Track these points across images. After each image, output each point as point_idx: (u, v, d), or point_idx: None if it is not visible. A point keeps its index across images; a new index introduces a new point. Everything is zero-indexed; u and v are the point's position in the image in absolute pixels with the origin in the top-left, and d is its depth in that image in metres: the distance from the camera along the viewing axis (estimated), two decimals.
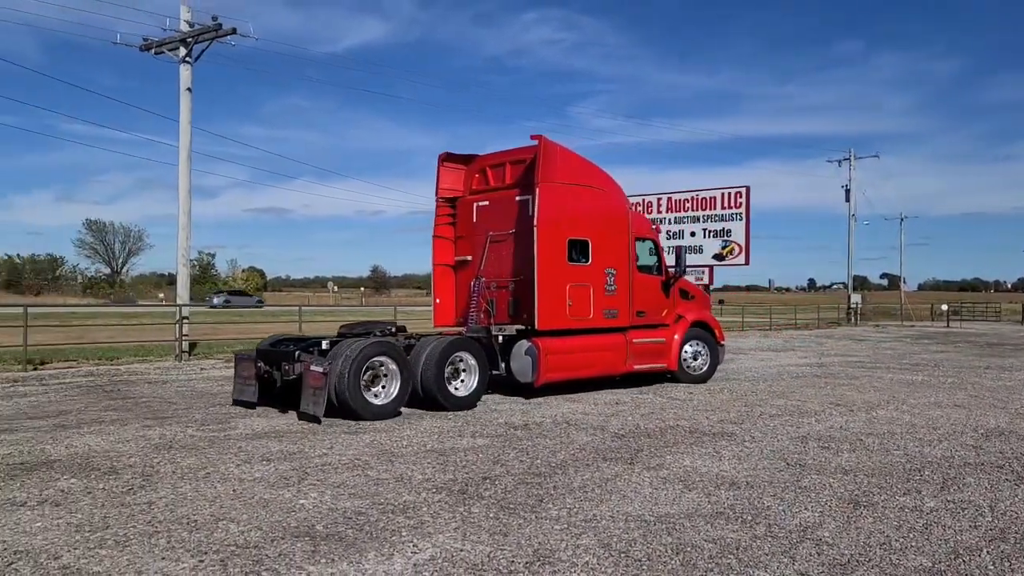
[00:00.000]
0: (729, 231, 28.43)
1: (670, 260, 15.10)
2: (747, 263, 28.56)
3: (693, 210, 29.25)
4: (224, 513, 6.01)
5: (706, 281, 29.16)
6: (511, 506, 6.30)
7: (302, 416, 10.29)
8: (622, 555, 5.15)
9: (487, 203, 13.74)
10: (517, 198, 13.10)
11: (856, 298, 54.05)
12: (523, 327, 12.61)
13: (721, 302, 68.82)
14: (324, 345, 10.67)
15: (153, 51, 21.39)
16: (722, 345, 15.86)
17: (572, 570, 4.87)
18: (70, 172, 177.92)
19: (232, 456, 8.08)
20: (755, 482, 7.21)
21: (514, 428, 9.97)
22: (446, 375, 11.31)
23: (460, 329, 13.12)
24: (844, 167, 55.18)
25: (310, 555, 5.09)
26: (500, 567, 4.90)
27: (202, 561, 4.95)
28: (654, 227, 14.97)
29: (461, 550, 5.22)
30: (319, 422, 9.94)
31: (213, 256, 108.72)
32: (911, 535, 5.69)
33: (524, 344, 12.31)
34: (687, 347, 15.00)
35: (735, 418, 10.98)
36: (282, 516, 5.95)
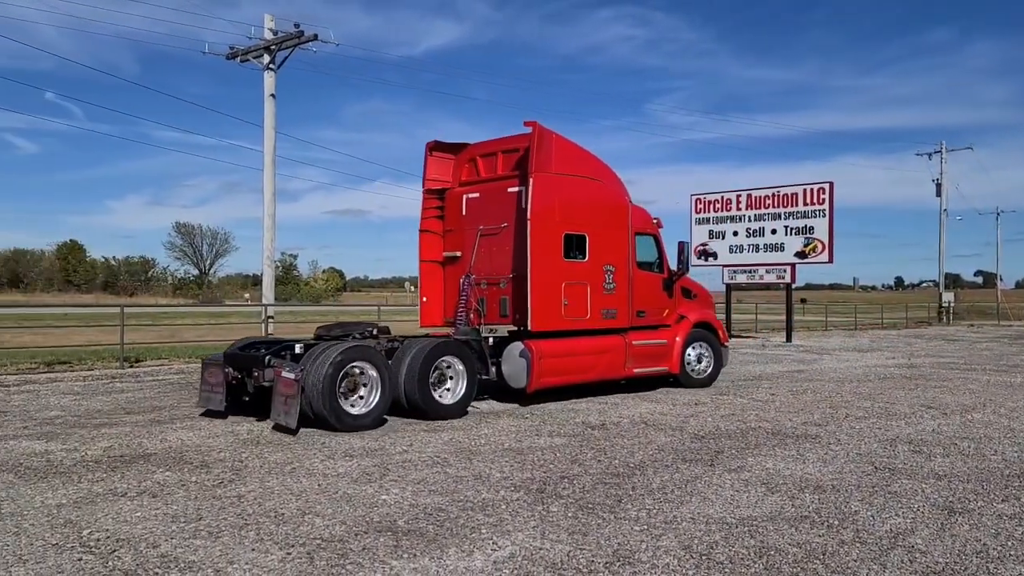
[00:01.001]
0: (811, 228, 27.65)
1: (673, 256, 14.07)
2: (831, 261, 27.72)
3: (774, 207, 28.55)
4: (310, 507, 6.18)
5: (788, 279, 28.47)
6: (590, 506, 6.29)
7: (276, 427, 9.48)
8: (703, 557, 5.08)
9: (477, 195, 12.78)
10: (509, 190, 12.16)
11: (948, 296, 51.88)
12: (516, 328, 11.86)
13: (803, 301, 67.10)
14: (297, 349, 9.89)
15: (239, 59, 22.17)
16: (726, 346, 14.97)
17: (652, 571, 4.84)
18: (161, 177, 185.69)
19: (316, 452, 8.30)
20: (841, 486, 7.00)
21: (591, 428, 9.93)
22: (431, 381, 10.45)
23: (448, 330, 12.27)
24: (935, 160, 53.06)
25: (393, 550, 5.19)
26: (580, 566, 4.90)
27: (289, 553, 5.11)
28: (655, 221, 13.87)
29: (540, 548, 5.24)
30: (294, 433, 9.16)
31: (295, 257, 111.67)
32: (1010, 543, 5.43)
33: (517, 346, 11.48)
34: (690, 349, 14.07)
35: (819, 420, 10.68)
36: (365, 511, 6.09)
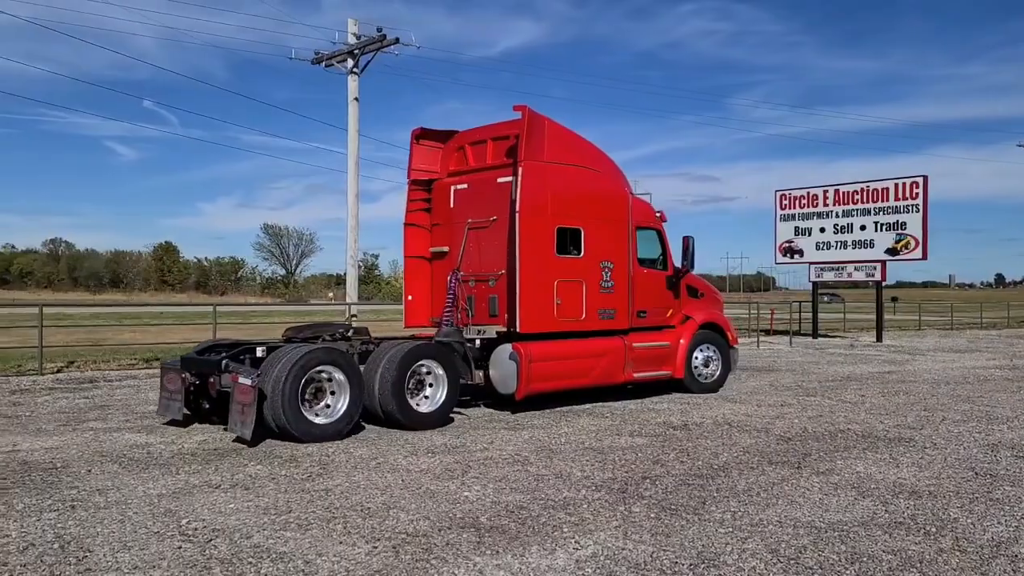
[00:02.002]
0: (903, 224, 26.60)
1: (678, 253, 13.07)
2: (924, 257, 26.63)
3: (863, 202, 27.58)
4: (394, 502, 6.30)
5: (877, 277, 27.48)
6: (672, 507, 6.21)
7: (238, 439, 8.65)
8: (791, 562, 4.96)
9: (466, 186, 11.87)
10: (499, 180, 11.21)
11: None
12: (505, 329, 10.98)
13: (894, 299, 64.61)
14: (259, 352, 9.06)
15: (323, 64, 22.78)
16: (735, 349, 13.88)
17: (738, 575, 4.74)
18: (249, 180, 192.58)
19: (400, 448, 8.45)
20: (939, 492, 6.72)
21: (673, 428, 9.81)
22: (408, 387, 9.58)
23: (434, 331, 11.51)
24: None
25: (476, 546, 5.24)
26: (663, 567, 4.85)
27: (376, 547, 5.22)
28: (658, 215, 12.91)
29: (623, 548, 5.20)
30: (249, 444, 8.42)
31: (377, 257, 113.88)
32: None
33: (505, 349, 10.68)
34: (697, 352, 13.03)
35: (914, 423, 10.27)
36: (448, 507, 6.16)
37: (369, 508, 6.12)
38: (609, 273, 11.69)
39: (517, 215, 10.62)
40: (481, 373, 10.81)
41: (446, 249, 12.05)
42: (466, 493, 6.59)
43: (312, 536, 5.43)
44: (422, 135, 12.22)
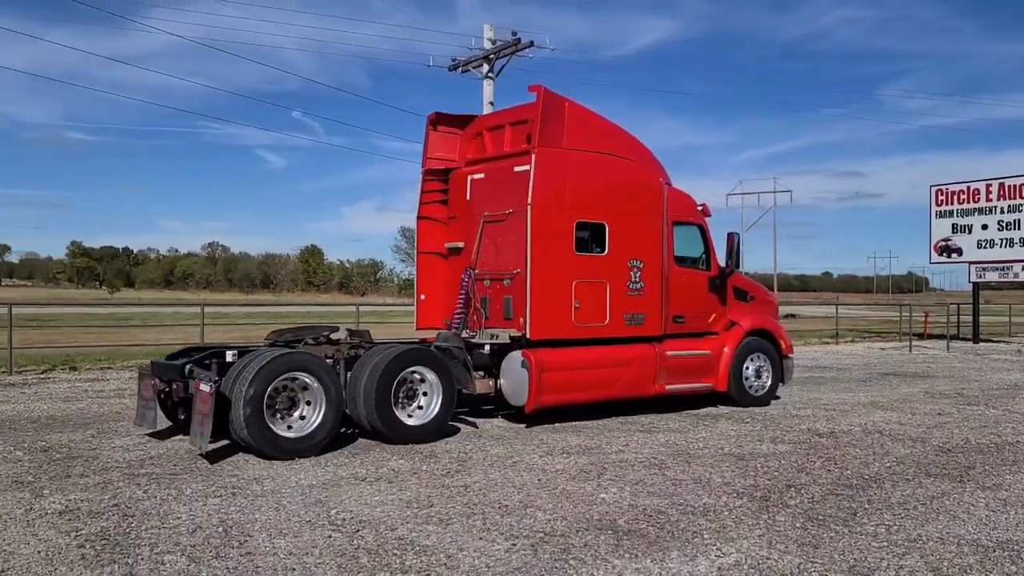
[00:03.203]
0: None
1: (723, 252, 11.65)
2: None
3: None
4: (531, 501, 6.35)
5: None
6: (820, 517, 5.94)
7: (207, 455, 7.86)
8: None
9: (482, 175, 10.82)
10: (516, 169, 10.06)
11: None
12: (520, 334, 9.90)
13: None
14: (229, 356, 8.31)
15: (460, 70, 23.33)
16: (789, 358, 12.28)
17: None
18: (387, 184, 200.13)
19: (535, 448, 8.51)
20: None
21: (819, 435, 9.38)
22: (398, 397, 8.74)
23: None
24: None
25: (614, 548, 5.21)
26: None
27: (515, 544, 5.28)
28: (700, 208, 11.63)
29: (768, 558, 5.02)
30: (205, 457, 7.74)
31: None
32: None
33: (516, 357, 9.68)
34: (747, 363, 11.64)
35: None
36: (585, 508, 6.15)
37: (507, 506, 6.20)
38: (638, 273, 10.53)
39: (529, 207, 9.64)
40: (491, 382, 9.94)
41: (462, 244, 10.97)
42: (603, 495, 6.56)
43: (453, 531, 5.56)
44: (438, 120, 11.28)
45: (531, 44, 21.94)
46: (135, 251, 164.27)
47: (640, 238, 10.63)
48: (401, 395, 8.80)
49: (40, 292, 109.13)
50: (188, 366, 8.03)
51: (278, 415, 7.97)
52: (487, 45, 22.75)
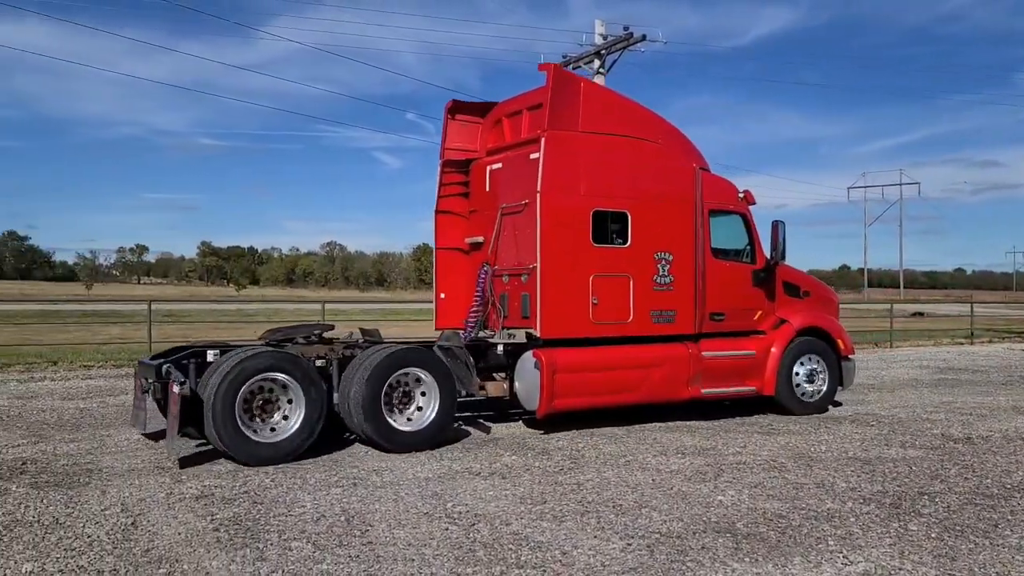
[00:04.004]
0: None
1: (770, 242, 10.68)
2: None
3: None
4: (646, 501, 6.27)
5: None
6: (957, 528, 5.60)
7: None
8: None
9: (500, 165, 10.11)
10: (532, 156, 9.30)
11: None
12: (536, 333, 9.23)
13: None
14: (210, 356, 7.86)
15: (571, 66, 23.30)
16: (849, 360, 11.09)
17: None
18: None
19: (649, 447, 8.40)
20: None
21: (953, 441, 8.84)
22: (392, 400, 8.20)
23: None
24: None
25: (733, 552, 5.07)
26: None
27: (630, 544, 5.23)
28: (742, 196, 10.58)
29: (900, 569, 4.77)
30: (171, 459, 7.58)
31: None
32: None
33: (529, 357, 9.06)
34: (797, 365, 10.58)
35: None
36: (701, 510, 6.03)
37: (621, 505, 6.15)
38: (667, 266, 9.72)
39: (538, 195, 8.98)
40: (506, 384, 9.37)
41: (483, 239, 10.26)
42: (720, 497, 6.40)
43: (567, 528, 5.56)
44: (457, 108, 10.66)
45: (643, 38, 21.69)
46: (260, 250, 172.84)
47: (669, 228, 9.81)
48: (395, 399, 8.25)
49: (174, 290, 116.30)
50: (165, 366, 7.63)
51: (257, 418, 7.57)
52: (598, 40, 22.65)
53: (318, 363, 8.14)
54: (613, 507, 6.09)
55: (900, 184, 75.60)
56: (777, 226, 10.54)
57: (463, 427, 9.26)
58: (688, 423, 9.86)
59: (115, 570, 4.68)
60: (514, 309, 9.62)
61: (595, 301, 9.27)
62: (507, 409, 10.05)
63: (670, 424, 9.77)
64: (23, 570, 4.66)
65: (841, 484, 6.84)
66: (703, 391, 9.92)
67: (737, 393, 10.37)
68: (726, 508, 6.08)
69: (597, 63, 22.68)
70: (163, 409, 7.94)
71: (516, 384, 9.27)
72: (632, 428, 9.45)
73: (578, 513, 5.92)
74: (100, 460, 7.55)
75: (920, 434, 9.25)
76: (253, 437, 7.44)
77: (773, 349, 10.46)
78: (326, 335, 8.56)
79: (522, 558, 4.95)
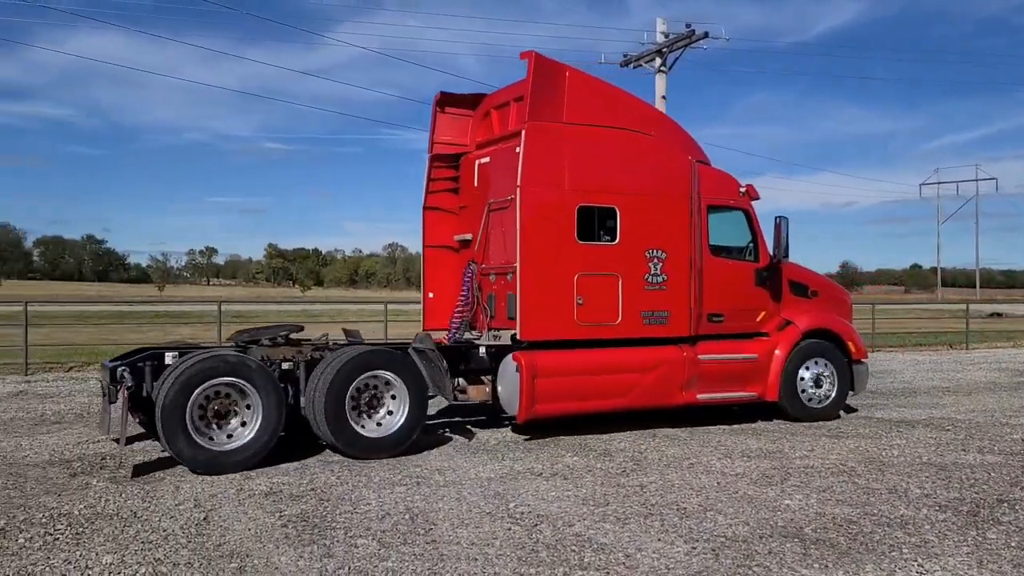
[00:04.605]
0: None
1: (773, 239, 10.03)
2: None
3: None
4: (710, 504, 6.18)
5: None
6: None
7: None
8: None
9: (488, 159, 9.67)
10: (517, 149, 8.86)
11: None
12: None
13: None
14: (168, 359, 7.49)
15: (632, 66, 23.17)
16: (861, 363, 10.46)
17: None
18: None
19: (712, 450, 8.28)
20: None
21: None
22: (359, 404, 7.84)
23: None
24: None
25: (801, 557, 4.97)
26: None
27: (694, 547, 5.16)
28: (743, 190, 10.00)
29: None
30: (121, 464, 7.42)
31: None
32: None
33: (510, 360, 8.63)
34: (803, 369, 10.00)
35: None
36: (768, 514, 5.91)
37: (685, 508, 6.07)
38: (659, 265, 9.21)
39: (518, 190, 8.57)
40: (489, 388, 8.93)
41: (471, 236, 9.86)
42: (787, 501, 6.27)
43: (630, 530, 5.52)
44: (446, 101, 10.23)
45: (705, 35, 21.40)
46: (323, 252, 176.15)
47: (662, 224, 9.31)
48: (363, 403, 7.89)
49: (242, 291, 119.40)
50: (120, 368, 7.34)
51: (213, 424, 7.27)
52: (659, 39, 22.42)
53: (285, 366, 7.84)
54: (677, 510, 6.03)
55: (976, 180, 72.94)
56: (780, 223, 9.94)
57: (446, 434, 8.98)
58: (753, 425, 9.69)
59: (189, 563, 4.83)
60: (501, 309, 9.23)
61: (580, 301, 8.82)
62: (501, 414, 9.48)
63: (734, 427, 9.62)
64: (104, 562, 4.84)
65: (915, 490, 6.63)
66: (699, 396, 9.45)
67: (736, 398, 9.84)
68: (794, 513, 5.96)
69: (658, 62, 22.44)
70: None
71: (499, 386, 8.84)
72: (695, 430, 9.33)
73: (641, 515, 5.87)
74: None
75: (999, 439, 8.90)
76: (205, 444, 7.11)
77: (777, 352, 9.93)
78: (293, 336, 8.22)
79: (585, 559, 4.94)
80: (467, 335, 9.51)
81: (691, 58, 21.69)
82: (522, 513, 5.91)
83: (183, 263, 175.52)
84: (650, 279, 9.19)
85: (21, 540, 5.21)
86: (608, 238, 9.07)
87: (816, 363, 10.12)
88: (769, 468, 7.43)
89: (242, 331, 8.35)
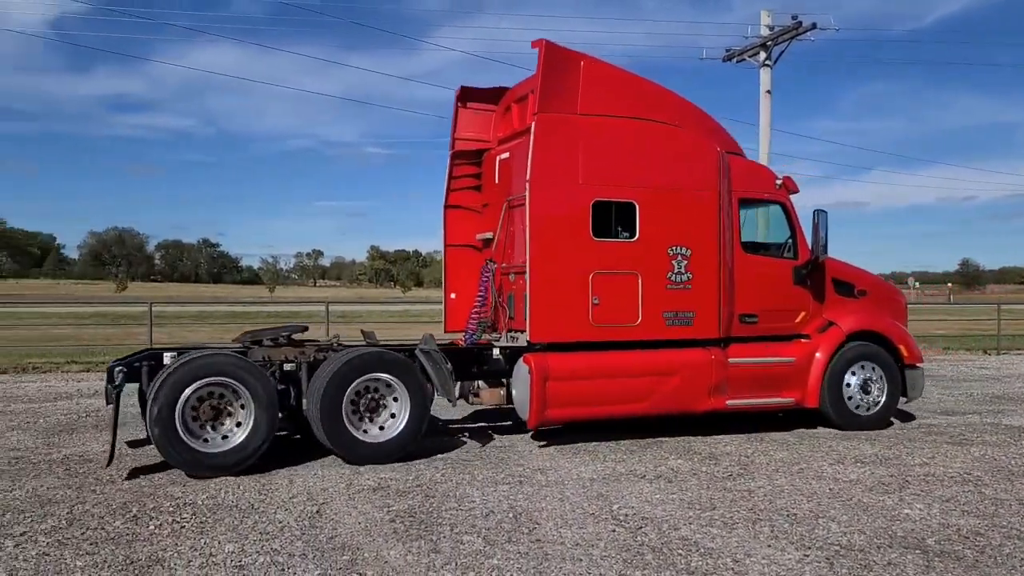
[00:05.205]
0: None
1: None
2: None
3: None
4: (823, 511, 5.97)
5: None
6: None
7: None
8: None
9: (508, 154, 9.29)
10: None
11: None
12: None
13: None
14: (167, 358, 7.39)
15: (735, 60, 22.59)
16: (915, 368, 9.67)
17: None
18: None
19: (823, 455, 7.99)
20: None
21: None
22: (360, 408, 7.60)
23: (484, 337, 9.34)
24: None
25: (923, 570, 4.74)
26: None
27: (807, 555, 5.00)
28: (779, 183, 9.35)
29: None
30: (104, 466, 7.29)
31: None
32: None
33: (522, 364, 8.26)
34: (848, 374, 9.32)
35: None
36: (885, 523, 5.66)
37: (796, 514, 5.89)
38: (683, 263, 8.70)
39: (528, 185, 8.18)
40: (503, 392, 8.63)
41: (493, 235, 9.48)
42: (907, 511, 5.99)
43: (738, 536, 5.39)
44: (468, 96, 9.90)
45: (813, 26, 20.64)
46: (424, 253, 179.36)
47: (686, 220, 8.79)
48: (363, 406, 7.64)
49: (346, 291, 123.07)
50: (117, 368, 7.33)
51: (208, 425, 7.14)
52: (764, 32, 21.79)
53: (287, 367, 7.72)
54: (787, 516, 5.85)
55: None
56: (818, 216, 9.22)
57: (461, 437, 8.79)
58: (868, 432, 9.28)
59: (304, 555, 5.01)
60: (520, 310, 8.84)
61: (596, 301, 8.40)
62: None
63: (848, 431, 9.24)
64: (226, 550, 5.08)
65: None
66: (728, 402, 8.88)
67: (771, 404, 9.25)
68: (914, 523, 5.69)
69: (763, 55, 21.80)
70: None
71: (513, 390, 8.48)
72: (804, 434, 9.03)
73: (750, 520, 5.73)
74: (286, 449, 8.11)
75: None
76: (193, 444, 6.98)
77: (818, 355, 9.29)
78: (296, 337, 8.06)
79: (692, 564, 4.85)
80: (488, 337, 9.33)
81: (798, 50, 21.02)
82: (626, 515, 5.86)
83: (291, 265, 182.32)
84: (673, 278, 8.71)
85: (151, 527, 5.54)
86: (627, 235, 8.64)
87: (863, 367, 9.47)
88: (885, 475, 7.11)
89: (249, 331, 8.29)
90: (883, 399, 9.48)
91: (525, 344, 8.42)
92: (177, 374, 7.00)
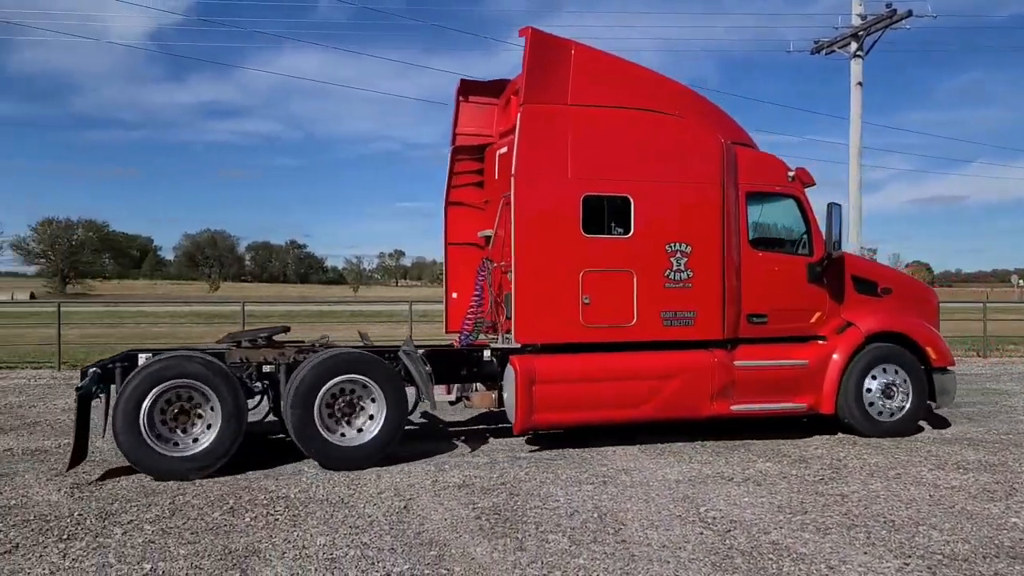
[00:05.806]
0: None
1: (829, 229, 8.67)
2: None
3: None
4: (923, 518, 5.73)
5: None
6: None
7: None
8: None
9: (505, 149, 8.76)
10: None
11: None
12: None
13: None
14: (142, 359, 7.24)
15: (824, 52, 21.96)
16: (946, 371, 8.95)
17: None
18: None
19: (922, 460, 7.67)
20: None
21: None
22: (335, 411, 7.35)
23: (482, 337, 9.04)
24: None
25: None
26: None
27: (907, 564, 4.81)
28: (791, 175, 8.78)
29: None
30: (66, 470, 7.11)
31: (874, 252, 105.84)
32: None
33: (510, 366, 7.93)
34: (869, 378, 8.65)
35: None
36: (991, 532, 5.40)
37: (893, 521, 5.67)
38: (683, 260, 8.22)
39: (512, 179, 7.84)
40: (494, 395, 8.28)
41: (492, 232, 9.11)
42: (1014, 519, 5.70)
43: (832, 541, 5.23)
44: (469, 89, 9.57)
45: (909, 14, 19.84)
46: None
47: (686, 215, 8.31)
48: (338, 409, 7.40)
49: (427, 291, 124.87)
50: (91, 369, 7.26)
51: (178, 428, 7.01)
52: (855, 22, 21.08)
53: (265, 368, 7.58)
54: (884, 522, 5.64)
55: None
56: (831, 209, 8.69)
57: (455, 440, 8.62)
58: (968, 435, 8.88)
59: (392, 549, 5.11)
60: None
61: (587, 300, 7.99)
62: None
63: (944, 434, 8.87)
64: (318, 543, 5.23)
65: None
66: (733, 407, 8.38)
67: (781, 410, 8.66)
68: (1022, 532, 5.40)
69: (854, 46, 21.07)
70: (106, 413, 7.50)
71: (504, 393, 8.14)
72: (900, 439, 8.68)
73: (844, 526, 5.55)
74: None
75: None
76: (159, 450, 6.85)
77: (835, 357, 8.71)
78: (276, 338, 7.94)
79: (784, 569, 4.73)
80: (487, 337, 9.12)
81: (892, 39, 20.17)
82: (714, 518, 5.75)
83: (374, 265, 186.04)
84: (672, 276, 8.24)
85: (247, 519, 5.74)
86: (620, 231, 8.22)
87: (885, 371, 8.84)
88: (990, 482, 6.78)
89: (231, 333, 8.21)
90: (908, 405, 8.86)
91: (516, 345, 8.12)
92: (143, 375, 6.91)
